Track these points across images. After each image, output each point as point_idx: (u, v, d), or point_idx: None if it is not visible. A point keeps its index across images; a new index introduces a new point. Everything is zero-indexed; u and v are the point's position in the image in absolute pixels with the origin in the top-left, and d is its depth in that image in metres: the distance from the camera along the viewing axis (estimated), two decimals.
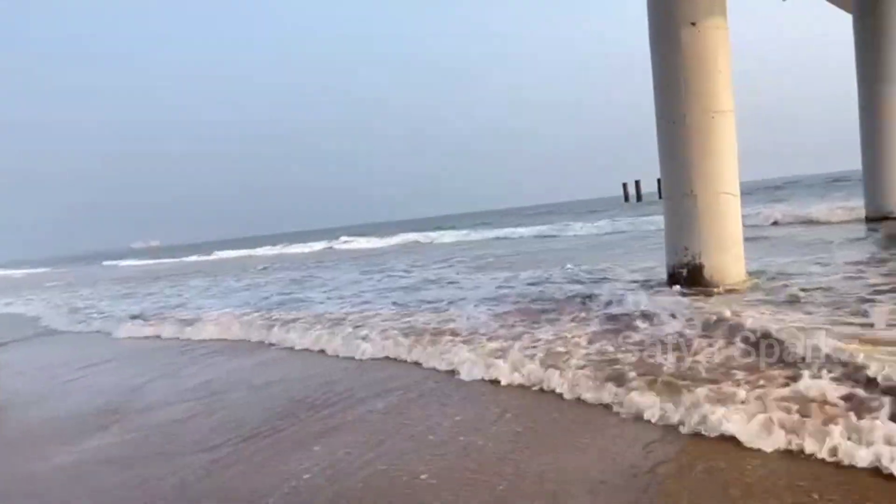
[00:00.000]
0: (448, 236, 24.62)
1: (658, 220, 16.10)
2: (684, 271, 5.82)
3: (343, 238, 31.47)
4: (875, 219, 10.98)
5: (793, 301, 4.75)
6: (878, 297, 4.50)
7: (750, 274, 5.95)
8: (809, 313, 4.26)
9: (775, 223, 13.42)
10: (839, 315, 4.11)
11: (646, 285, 6.26)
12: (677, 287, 5.72)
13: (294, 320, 6.58)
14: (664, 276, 6.19)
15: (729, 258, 5.76)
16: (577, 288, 6.62)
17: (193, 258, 34.80)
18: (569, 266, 8.67)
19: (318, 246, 29.30)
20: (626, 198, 47.29)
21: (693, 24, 5.61)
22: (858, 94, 11.28)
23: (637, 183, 46.09)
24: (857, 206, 12.25)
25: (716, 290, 5.51)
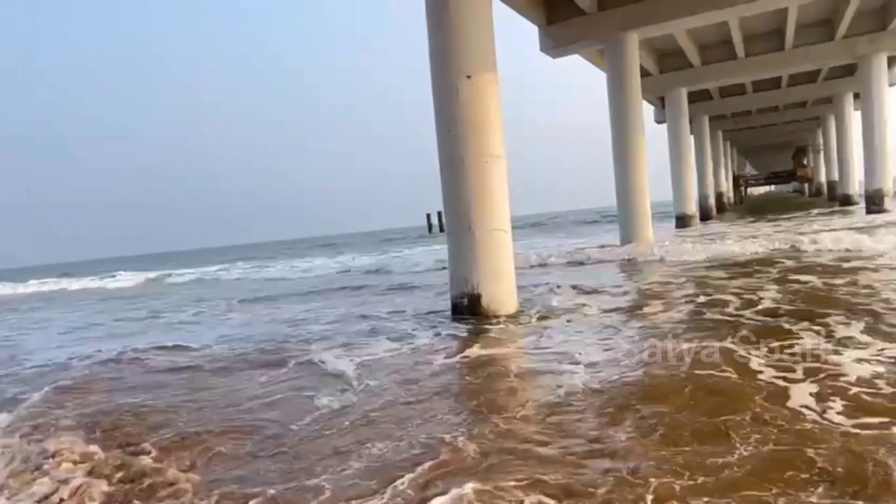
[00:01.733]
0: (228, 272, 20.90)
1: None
2: (465, 300, 6.31)
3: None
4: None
5: (543, 329, 5.43)
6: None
7: (521, 304, 6.61)
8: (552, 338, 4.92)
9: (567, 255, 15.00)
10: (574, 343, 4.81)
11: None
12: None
13: None
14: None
15: (503, 289, 6.37)
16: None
17: None
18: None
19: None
20: (430, 228, 49.41)
21: (469, 76, 6.21)
22: (612, 143, 13.27)
23: (440, 213, 48.50)
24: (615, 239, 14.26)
25: (493, 318, 6.08)
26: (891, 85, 19.76)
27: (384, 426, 3.10)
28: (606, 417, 2.95)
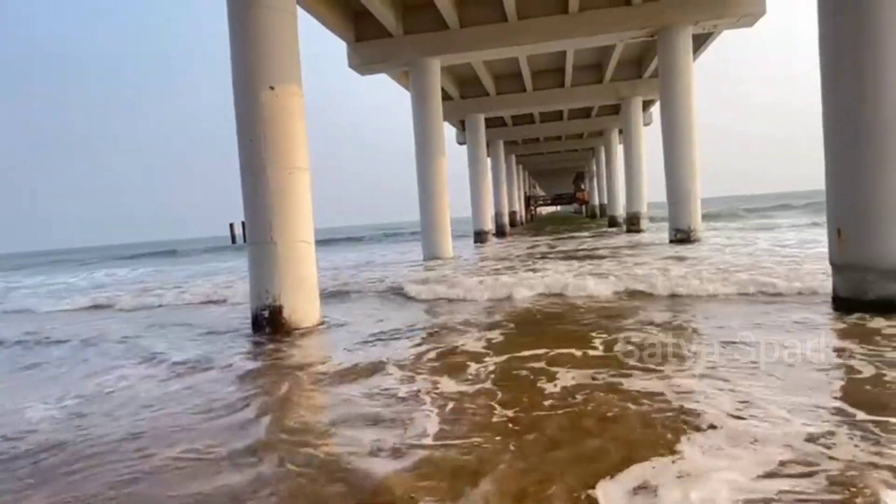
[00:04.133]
0: None
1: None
2: (266, 313, 6.23)
3: None
4: (431, 259, 13.66)
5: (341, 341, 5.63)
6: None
7: (324, 317, 6.70)
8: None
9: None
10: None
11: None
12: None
13: None
14: None
15: (305, 301, 6.41)
16: None
17: None
18: None
19: None
20: (234, 239, 46.87)
21: (272, 88, 6.20)
22: (416, 161, 13.95)
23: (244, 224, 46.17)
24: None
25: (294, 331, 6.11)
26: (646, 124, 23.45)
27: None
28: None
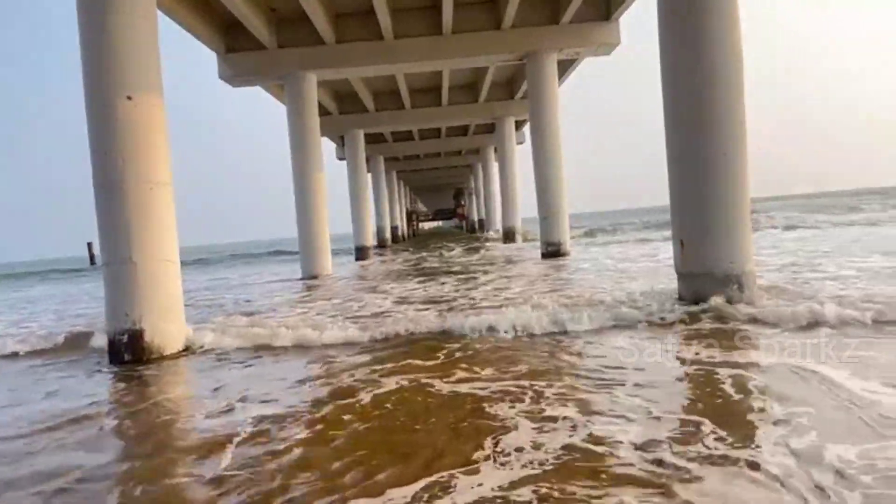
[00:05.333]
0: None
1: None
2: (125, 337, 5.78)
3: None
4: (309, 277, 13.38)
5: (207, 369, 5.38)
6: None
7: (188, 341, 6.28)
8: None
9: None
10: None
11: None
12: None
13: None
14: None
15: (169, 324, 6.02)
16: None
17: None
18: None
19: None
20: (92, 259, 43.02)
21: (129, 97, 5.82)
22: (293, 177, 13.63)
23: None
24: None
25: (157, 357, 5.73)
26: (519, 143, 24.59)
27: None
28: None
